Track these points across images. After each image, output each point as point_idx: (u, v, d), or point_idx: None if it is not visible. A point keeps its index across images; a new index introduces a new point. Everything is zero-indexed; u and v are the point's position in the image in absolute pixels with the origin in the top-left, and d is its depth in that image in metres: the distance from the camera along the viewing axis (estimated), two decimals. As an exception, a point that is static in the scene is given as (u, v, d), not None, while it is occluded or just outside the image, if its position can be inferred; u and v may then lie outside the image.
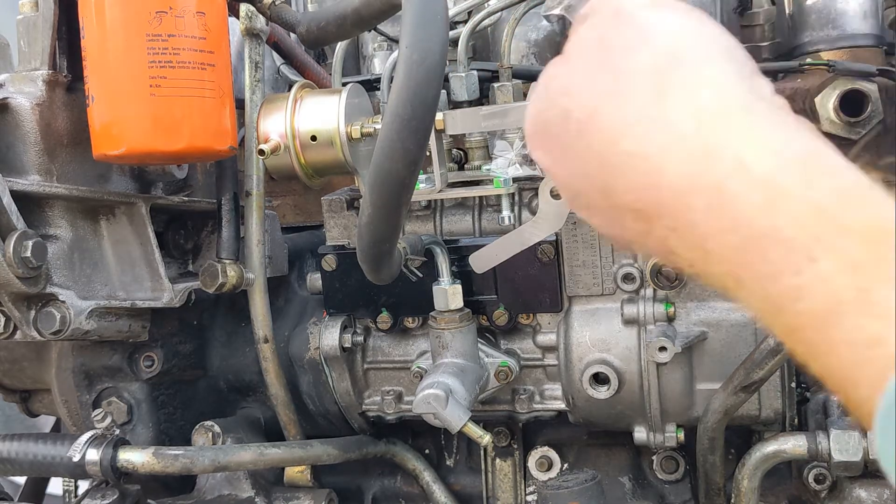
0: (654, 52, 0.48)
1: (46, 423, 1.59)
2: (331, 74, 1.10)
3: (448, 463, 1.30)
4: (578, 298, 1.05)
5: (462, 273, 1.03)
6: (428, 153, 0.88)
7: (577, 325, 1.04)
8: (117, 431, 1.02)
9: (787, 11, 1.39)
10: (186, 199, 1.13)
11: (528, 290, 1.04)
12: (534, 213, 1.00)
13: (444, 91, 1.02)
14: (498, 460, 1.24)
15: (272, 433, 1.20)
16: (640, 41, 0.49)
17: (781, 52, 1.39)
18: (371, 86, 1.25)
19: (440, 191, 0.98)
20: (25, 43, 0.98)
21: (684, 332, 1.00)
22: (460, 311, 1.01)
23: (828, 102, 1.24)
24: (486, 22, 1.08)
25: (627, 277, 1.02)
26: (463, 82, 1.04)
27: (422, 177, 0.99)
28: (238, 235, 1.09)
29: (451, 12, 1.04)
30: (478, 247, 0.97)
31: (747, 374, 0.93)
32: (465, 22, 1.09)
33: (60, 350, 1.15)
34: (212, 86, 0.92)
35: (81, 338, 1.02)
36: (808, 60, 1.27)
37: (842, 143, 1.26)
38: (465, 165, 1.02)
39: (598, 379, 1.03)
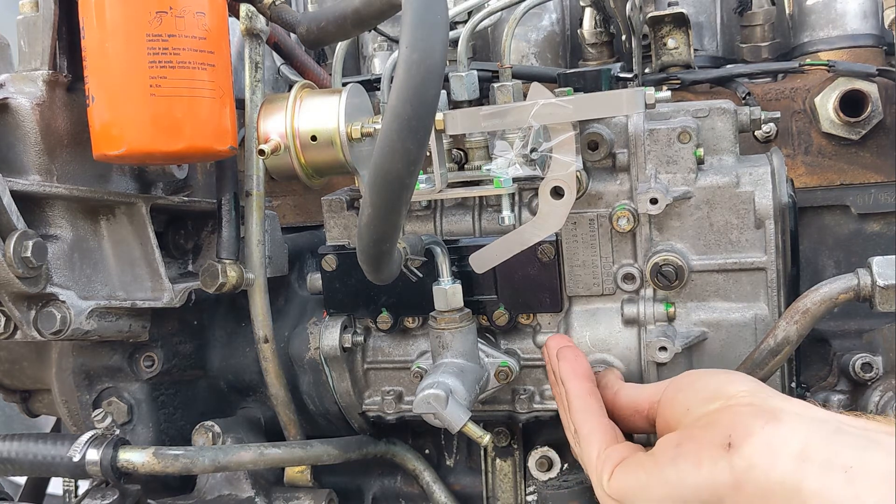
0: None
1: (46, 423, 1.59)
2: (331, 74, 1.10)
3: (448, 463, 1.30)
4: (578, 298, 1.05)
5: (462, 273, 1.03)
6: (428, 153, 0.88)
7: (577, 326, 1.05)
8: (117, 431, 1.01)
9: (787, 11, 1.39)
10: (186, 199, 1.13)
11: (528, 290, 1.04)
12: (534, 213, 1.00)
13: (444, 91, 1.02)
14: (498, 460, 1.24)
15: (272, 433, 1.20)
16: None
17: (781, 52, 1.40)
18: (371, 86, 1.26)
19: (440, 191, 0.98)
20: (25, 43, 0.98)
21: (684, 333, 1.00)
22: (460, 311, 1.01)
23: (828, 102, 1.24)
24: (486, 22, 1.08)
25: (627, 277, 1.02)
26: (463, 82, 1.04)
27: (422, 177, 0.99)
28: (238, 235, 1.09)
29: (451, 12, 1.04)
30: (478, 247, 0.97)
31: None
32: (465, 22, 1.09)
33: (61, 350, 1.15)
34: (212, 86, 0.92)
35: (82, 338, 1.02)
36: (808, 60, 1.27)
37: (842, 143, 1.27)
38: (465, 165, 1.02)
39: (598, 379, 1.03)
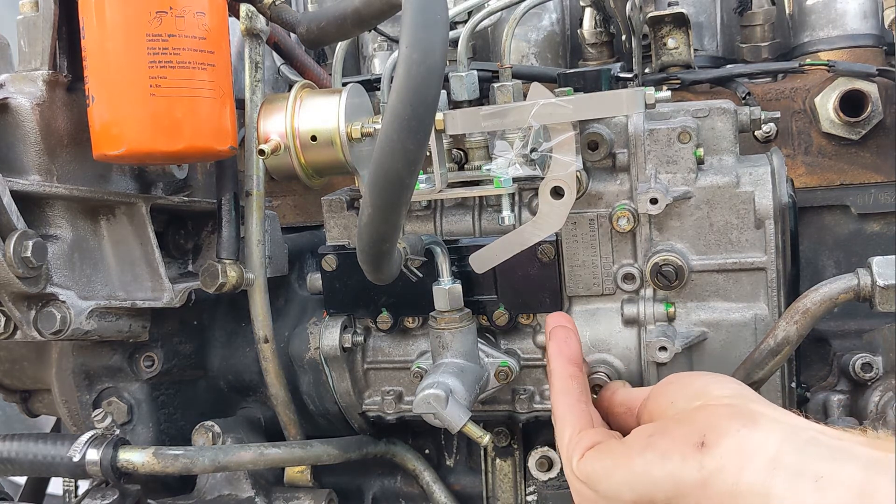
0: None
1: (46, 423, 1.59)
2: (331, 74, 1.10)
3: (448, 463, 1.30)
4: (578, 298, 1.05)
5: (462, 273, 1.03)
6: (428, 153, 0.88)
7: (577, 325, 1.04)
8: (117, 431, 1.01)
9: (787, 11, 1.39)
10: (186, 199, 1.13)
11: (528, 290, 1.04)
12: (534, 213, 1.00)
13: (444, 91, 1.02)
14: (498, 460, 1.24)
15: (272, 433, 1.20)
16: None
17: (781, 52, 1.40)
18: (371, 86, 1.26)
19: (440, 191, 0.98)
20: (25, 43, 0.98)
21: (684, 332, 1.00)
22: (460, 311, 1.01)
23: (828, 102, 1.24)
24: (486, 22, 1.08)
25: (627, 277, 1.02)
26: (463, 82, 1.04)
27: (422, 177, 0.99)
28: (238, 235, 1.09)
29: (451, 12, 1.04)
30: (478, 247, 0.97)
31: (747, 374, 0.93)
32: (466, 22, 1.09)
33: (61, 350, 1.15)
34: (212, 86, 0.92)
35: (82, 338, 1.02)
36: (808, 60, 1.27)
37: (842, 143, 1.27)
38: (465, 165, 1.02)
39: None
